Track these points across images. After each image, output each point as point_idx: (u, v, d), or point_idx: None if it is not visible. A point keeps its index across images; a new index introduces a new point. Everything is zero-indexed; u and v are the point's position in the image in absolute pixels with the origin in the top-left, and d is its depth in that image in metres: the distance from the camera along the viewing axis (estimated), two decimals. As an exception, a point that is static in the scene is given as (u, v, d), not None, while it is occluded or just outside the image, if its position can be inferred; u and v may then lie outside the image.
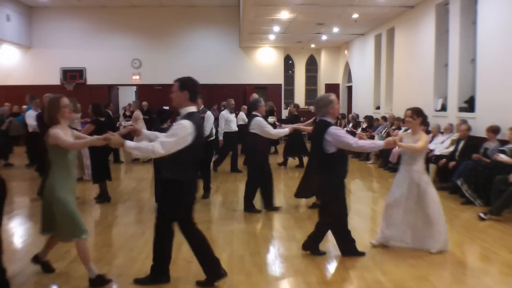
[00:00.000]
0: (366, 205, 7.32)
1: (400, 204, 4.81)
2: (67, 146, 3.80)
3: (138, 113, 12.18)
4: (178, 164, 3.65)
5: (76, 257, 4.71)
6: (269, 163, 6.75)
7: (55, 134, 3.78)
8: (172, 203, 3.72)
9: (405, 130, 10.57)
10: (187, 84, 3.69)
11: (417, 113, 4.85)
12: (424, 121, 4.98)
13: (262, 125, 6.33)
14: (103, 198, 7.32)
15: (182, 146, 3.55)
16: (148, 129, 17.53)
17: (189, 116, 3.62)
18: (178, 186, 3.66)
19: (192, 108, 3.71)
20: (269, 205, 6.56)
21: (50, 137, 3.79)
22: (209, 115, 7.29)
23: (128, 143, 3.56)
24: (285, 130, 6.65)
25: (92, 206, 7.14)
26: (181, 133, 3.52)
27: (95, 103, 7.53)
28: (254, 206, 6.54)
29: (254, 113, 6.58)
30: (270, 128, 6.44)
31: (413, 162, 4.79)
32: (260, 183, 6.52)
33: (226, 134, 10.06)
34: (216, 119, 10.27)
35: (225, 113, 10.43)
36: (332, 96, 4.57)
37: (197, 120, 3.68)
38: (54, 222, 3.90)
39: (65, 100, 3.94)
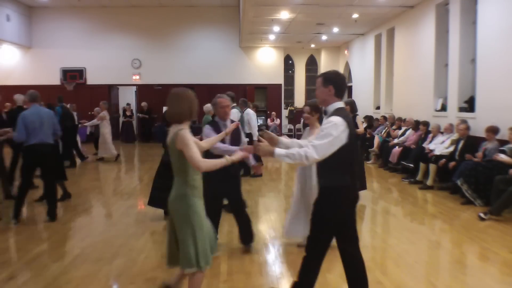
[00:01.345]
0: (366, 205, 7.31)
1: (300, 200, 4.95)
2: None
3: (105, 113, 12.20)
4: (332, 168, 3.09)
5: (77, 256, 4.73)
6: None
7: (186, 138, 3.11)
8: (328, 215, 3.14)
9: (406, 130, 10.58)
10: (331, 78, 3.23)
11: (315, 109, 4.89)
12: (321, 117, 5.04)
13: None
14: (61, 196, 7.16)
15: (337, 146, 3.02)
16: (146, 129, 17.69)
17: (337, 112, 3.13)
18: (336, 194, 3.12)
19: (340, 104, 3.22)
20: None
21: (179, 141, 3.10)
22: (233, 112, 6.73)
23: (278, 150, 3.08)
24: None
25: (92, 206, 7.14)
26: (335, 132, 3.01)
27: (49, 104, 7.38)
28: None
29: None
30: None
31: None
32: None
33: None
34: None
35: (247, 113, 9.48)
36: (217, 99, 4.74)
37: (347, 116, 3.16)
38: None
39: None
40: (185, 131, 3.14)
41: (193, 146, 3.10)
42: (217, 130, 4.58)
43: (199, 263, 3.12)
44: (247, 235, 4.94)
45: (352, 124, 3.15)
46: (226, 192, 4.85)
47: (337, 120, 3.05)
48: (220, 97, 4.76)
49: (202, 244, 3.15)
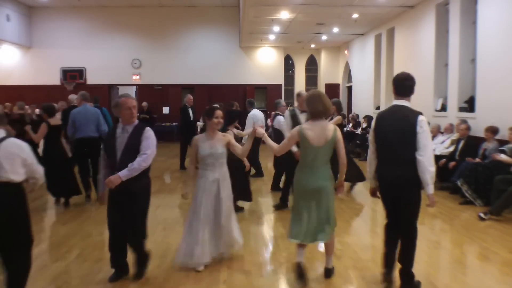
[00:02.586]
0: (366, 205, 7.32)
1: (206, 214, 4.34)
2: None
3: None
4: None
5: (77, 256, 4.73)
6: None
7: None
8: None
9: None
10: (393, 80, 3.75)
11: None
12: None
13: (281, 124, 7.28)
14: None
15: (372, 138, 3.82)
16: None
17: (384, 110, 3.86)
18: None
19: (395, 102, 3.72)
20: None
21: (339, 134, 3.85)
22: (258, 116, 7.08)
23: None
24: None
25: (92, 206, 7.13)
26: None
27: (46, 104, 7.29)
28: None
29: (276, 112, 7.64)
30: (285, 128, 6.82)
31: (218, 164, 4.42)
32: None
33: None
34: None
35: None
36: (121, 99, 3.95)
37: (384, 113, 3.77)
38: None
39: None
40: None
41: None
42: (111, 140, 3.92)
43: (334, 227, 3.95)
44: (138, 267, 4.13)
45: (386, 121, 3.68)
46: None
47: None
48: (124, 97, 3.99)
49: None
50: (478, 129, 8.03)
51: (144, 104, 17.85)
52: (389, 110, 3.72)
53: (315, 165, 3.80)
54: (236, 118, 6.47)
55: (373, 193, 3.93)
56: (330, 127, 3.77)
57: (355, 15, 12.17)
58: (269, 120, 18.25)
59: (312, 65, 19.94)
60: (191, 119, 10.48)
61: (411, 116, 3.54)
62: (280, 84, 18.52)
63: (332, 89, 19.07)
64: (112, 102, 3.99)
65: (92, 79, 17.61)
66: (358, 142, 12.64)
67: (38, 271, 4.30)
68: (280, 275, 4.26)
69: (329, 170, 3.86)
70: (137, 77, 17.94)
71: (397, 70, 12.65)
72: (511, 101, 7.48)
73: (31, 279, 4.10)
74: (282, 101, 7.76)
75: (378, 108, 14.29)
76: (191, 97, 10.95)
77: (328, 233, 3.85)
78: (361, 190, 8.47)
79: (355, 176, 7.68)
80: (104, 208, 6.87)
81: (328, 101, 3.84)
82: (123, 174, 3.74)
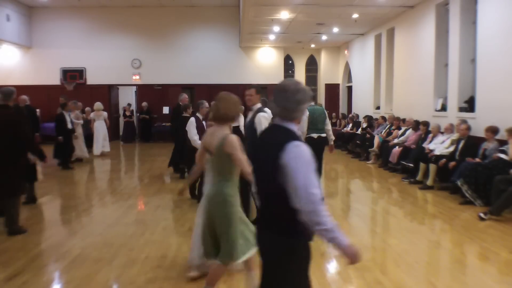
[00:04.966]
0: (366, 205, 7.32)
1: None
2: None
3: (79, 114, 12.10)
4: None
5: (77, 256, 4.72)
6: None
7: None
8: None
9: (405, 130, 10.59)
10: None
11: None
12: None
13: (190, 126, 6.69)
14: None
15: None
16: (146, 129, 17.71)
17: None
18: None
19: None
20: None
21: None
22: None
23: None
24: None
25: (92, 206, 7.14)
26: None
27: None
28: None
29: (196, 114, 7.10)
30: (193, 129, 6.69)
31: None
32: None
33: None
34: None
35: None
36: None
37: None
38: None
39: None
40: None
41: None
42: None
43: (233, 257, 3.28)
44: None
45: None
46: None
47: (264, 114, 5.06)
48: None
49: (236, 238, 3.30)
50: (478, 129, 8.02)
51: (144, 104, 17.87)
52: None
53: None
54: None
55: None
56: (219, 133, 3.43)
57: (355, 15, 12.17)
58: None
59: (312, 65, 19.94)
60: None
61: None
62: (280, 84, 18.49)
63: (332, 89, 19.09)
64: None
65: (92, 79, 17.62)
66: (358, 142, 12.64)
67: (38, 271, 4.30)
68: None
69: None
70: (137, 77, 17.95)
71: (397, 70, 12.67)
72: (511, 101, 7.48)
73: (31, 280, 4.11)
74: (205, 102, 7.22)
75: (378, 108, 14.30)
76: (187, 96, 10.19)
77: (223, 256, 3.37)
78: (361, 190, 8.47)
79: None
80: (104, 208, 6.80)
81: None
82: None
